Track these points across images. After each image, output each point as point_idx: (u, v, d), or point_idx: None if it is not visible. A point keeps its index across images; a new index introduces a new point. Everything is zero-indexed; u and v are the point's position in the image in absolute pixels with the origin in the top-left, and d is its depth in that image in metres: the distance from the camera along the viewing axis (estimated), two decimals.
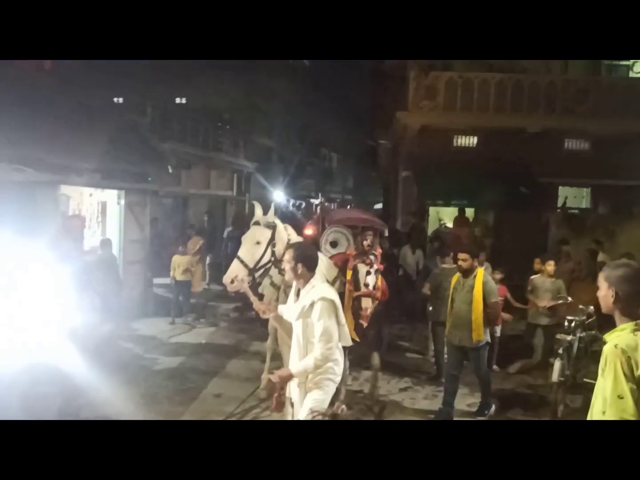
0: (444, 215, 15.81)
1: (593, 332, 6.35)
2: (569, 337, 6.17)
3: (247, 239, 4.85)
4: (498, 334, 7.49)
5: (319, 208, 22.49)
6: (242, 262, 4.71)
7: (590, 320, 6.35)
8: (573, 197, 15.15)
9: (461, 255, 5.82)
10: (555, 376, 5.96)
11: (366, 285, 5.73)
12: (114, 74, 17.59)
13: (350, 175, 42.58)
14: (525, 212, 13.13)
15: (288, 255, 3.70)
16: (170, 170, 14.96)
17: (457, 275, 5.95)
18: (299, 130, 33.26)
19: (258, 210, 5.09)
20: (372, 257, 5.88)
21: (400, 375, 7.36)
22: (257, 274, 4.82)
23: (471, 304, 5.67)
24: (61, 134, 10.49)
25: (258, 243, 4.79)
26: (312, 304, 3.52)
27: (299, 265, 3.60)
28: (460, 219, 13.81)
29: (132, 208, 12.11)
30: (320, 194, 35.16)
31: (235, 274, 4.66)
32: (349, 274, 5.86)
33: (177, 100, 22.54)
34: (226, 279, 4.68)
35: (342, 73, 29.12)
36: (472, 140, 15.19)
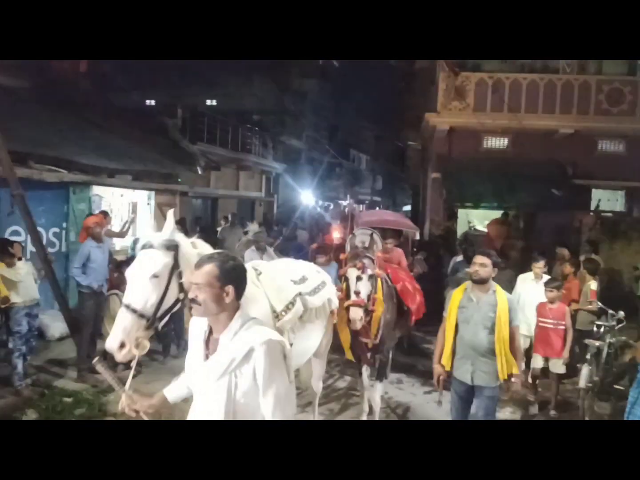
0: (474, 218, 15.62)
1: (623, 338, 6.20)
2: (598, 343, 6.04)
3: (134, 275, 3.08)
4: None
5: (346, 209, 22.44)
6: (132, 311, 3.01)
7: (620, 325, 6.20)
8: (607, 199, 14.80)
9: (479, 259, 4.26)
10: (583, 382, 5.84)
11: (356, 293, 4.92)
12: (146, 77, 17.96)
13: (379, 176, 42.49)
14: (557, 214, 12.89)
15: (206, 275, 2.34)
16: (200, 172, 15.19)
17: (463, 287, 4.43)
18: (328, 132, 33.33)
19: (170, 221, 3.26)
20: (365, 260, 5.06)
21: (424, 378, 7.30)
22: (159, 325, 3.15)
23: (493, 329, 4.18)
24: (93, 135, 10.75)
25: (155, 277, 3.05)
26: (249, 352, 2.26)
27: (229, 289, 2.33)
28: (499, 222, 13.00)
29: (161, 208, 12.32)
30: (348, 196, 35.15)
31: (126, 333, 2.95)
32: (343, 281, 5.16)
33: (208, 102, 22.84)
34: (111, 342, 2.94)
35: (371, 74, 29.08)
36: (503, 142, 14.99)
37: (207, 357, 2.39)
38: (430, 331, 9.00)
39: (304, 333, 4.12)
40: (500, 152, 14.73)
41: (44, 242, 8.04)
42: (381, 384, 5.51)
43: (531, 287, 6.81)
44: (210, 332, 2.42)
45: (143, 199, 12.06)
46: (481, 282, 4.24)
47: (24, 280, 6.16)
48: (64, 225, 9.18)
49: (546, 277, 6.77)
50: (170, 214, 3.32)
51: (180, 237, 3.23)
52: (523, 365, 5.90)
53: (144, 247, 3.13)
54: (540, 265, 6.87)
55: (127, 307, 3.01)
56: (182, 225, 10.85)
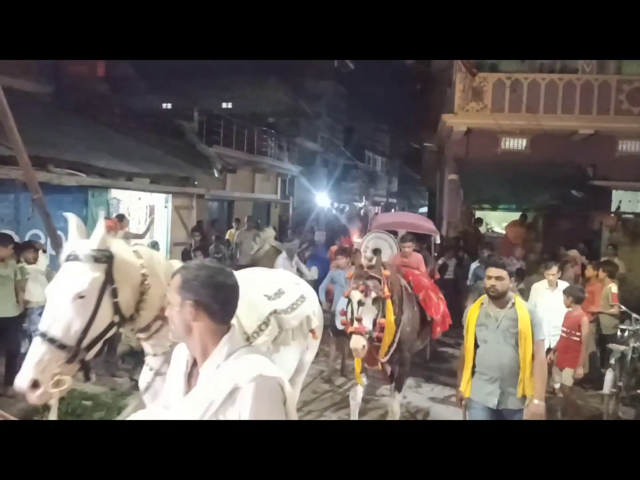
0: (492, 220, 15.48)
1: None
2: (622, 348, 5.93)
3: (53, 295, 2.44)
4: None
5: (362, 212, 22.36)
6: (50, 340, 2.34)
7: None
8: (628, 201, 14.57)
9: (494, 272, 3.81)
10: (607, 387, 5.73)
11: (358, 320, 4.45)
12: (163, 80, 18.06)
13: (394, 178, 42.35)
14: (577, 216, 12.71)
15: (171, 288, 1.91)
16: (217, 174, 15.24)
17: (479, 303, 4.00)
18: (343, 134, 33.30)
19: (74, 230, 2.63)
20: (369, 282, 4.54)
21: (444, 383, 7.22)
22: (87, 356, 2.48)
23: (516, 346, 3.79)
24: (111, 139, 10.82)
25: (80, 297, 2.41)
26: (233, 392, 1.71)
27: (187, 304, 1.83)
28: (517, 223, 12.62)
29: (178, 211, 12.37)
30: (364, 198, 35.06)
31: (40, 369, 2.30)
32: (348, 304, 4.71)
33: (223, 105, 22.90)
34: (21, 381, 2.29)
35: (387, 76, 28.99)
36: (521, 143, 14.84)
37: (186, 392, 1.88)
38: (450, 336, 8.86)
39: (277, 358, 3.37)
40: (519, 154, 14.59)
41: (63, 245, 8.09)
42: (399, 394, 5.20)
43: (546, 296, 6.43)
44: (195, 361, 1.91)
45: (160, 202, 12.12)
46: (499, 297, 3.84)
47: (41, 279, 6.22)
48: None
49: (562, 284, 6.46)
50: (101, 215, 2.87)
51: (116, 245, 2.64)
52: (555, 384, 5.74)
53: (67, 259, 2.48)
54: (552, 271, 6.47)
55: (43, 335, 2.32)
56: (200, 228, 10.89)
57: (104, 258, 2.53)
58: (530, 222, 13.39)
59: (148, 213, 12.06)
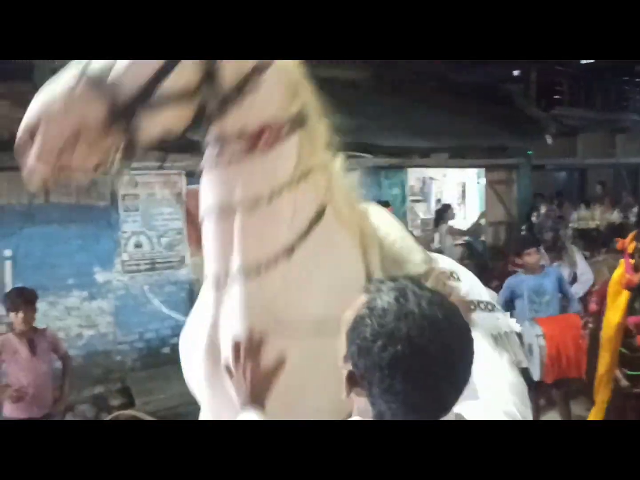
0: None
1: None
2: None
3: None
4: None
5: None
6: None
7: None
8: None
9: None
10: None
11: None
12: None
13: None
14: None
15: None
16: (549, 141, 13.28)
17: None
18: None
19: None
20: None
21: None
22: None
23: None
24: (408, 115, 10.27)
25: None
26: None
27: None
28: None
29: (493, 187, 11.12)
30: None
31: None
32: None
33: (582, 61, 19.93)
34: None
35: None
36: None
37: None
38: None
39: None
40: None
41: None
42: None
43: None
44: None
45: (472, 177, 11.10)
46: None
47: None
48: None
49: None
50: None
51: None
52: None
53: None
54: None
55: None
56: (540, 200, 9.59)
57: None
58: None
59: (461, 193, 11.23)
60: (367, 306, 1.00)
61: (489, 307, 2.42)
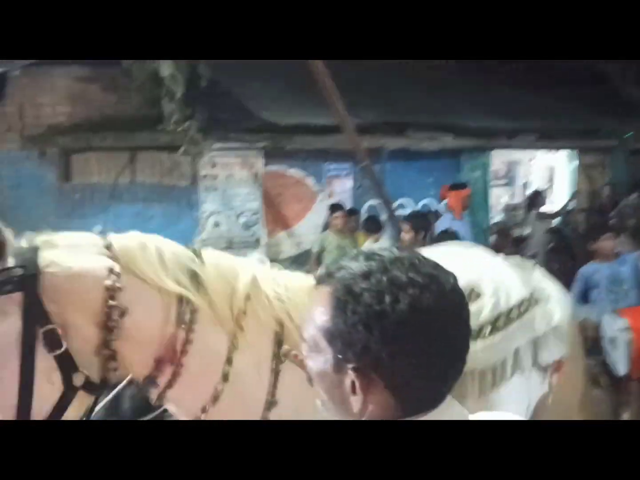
0: None
1: None
2: None
3: None
4: None
5: None
6: None
7: None
8: None
9: None
10: None
11: None
12: None
13: None
14: None
15: (324, 335, 0.90)
16: None
17: None
18: None
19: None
20: None
21: None
22: None
23: None
24: (493, 95, 9.82)
25: None
26: None
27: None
28: None
29: (587, 172, 10.48)
30: None
31: None
32: None
33: None
34: None
35: None
36: None
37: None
38: None
39: None
40: None
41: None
42: None
43: None
44: None
45: (562, 161, 10.52)
46: None
47: None
48: None
49: None
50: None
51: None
52: None
53: None
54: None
55: None
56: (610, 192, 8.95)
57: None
58: None
59: (549, 176, 10.68)
60: (342, 284, 0.83)
61: (521, 309, 2.12)
